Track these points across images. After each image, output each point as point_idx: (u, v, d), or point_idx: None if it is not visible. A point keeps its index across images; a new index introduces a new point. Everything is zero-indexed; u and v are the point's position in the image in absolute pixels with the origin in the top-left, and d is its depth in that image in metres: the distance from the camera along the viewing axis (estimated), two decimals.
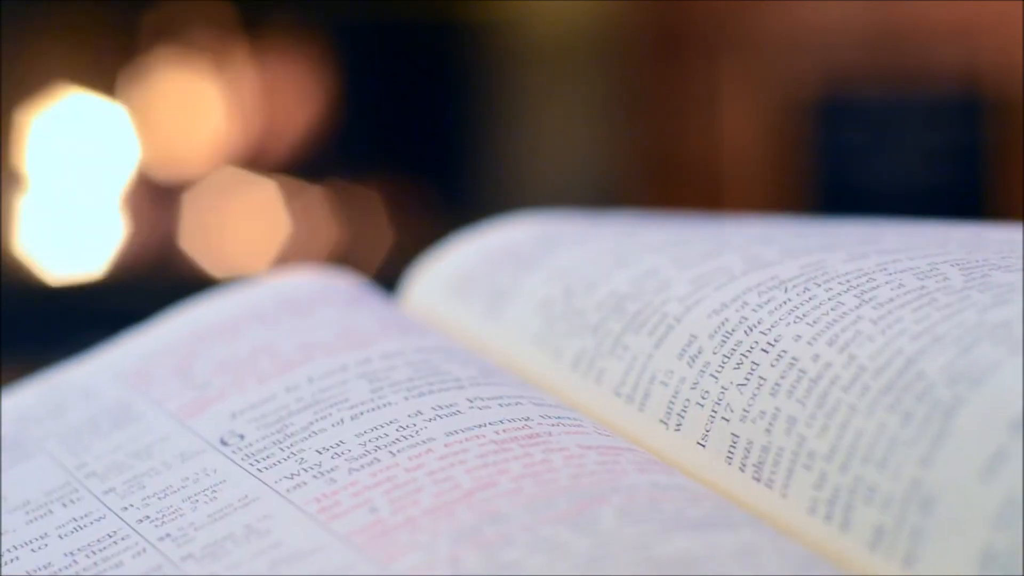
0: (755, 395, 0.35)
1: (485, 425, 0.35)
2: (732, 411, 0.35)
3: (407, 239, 1.72)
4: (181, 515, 0.35)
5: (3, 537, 0.36)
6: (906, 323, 0.34)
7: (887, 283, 0.36)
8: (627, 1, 1.78)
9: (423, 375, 0.38)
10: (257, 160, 1.76)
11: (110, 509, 0.36)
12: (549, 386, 0.40)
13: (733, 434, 0.35)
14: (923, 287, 0.35)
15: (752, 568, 0.30)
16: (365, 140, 1.81)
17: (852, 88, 1.73)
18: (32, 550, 0.35)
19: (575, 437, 0.35)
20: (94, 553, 0.34)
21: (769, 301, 0.37)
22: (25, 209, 1.70)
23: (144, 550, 0.34)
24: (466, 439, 0.35)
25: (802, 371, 0.34)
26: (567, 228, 0.47)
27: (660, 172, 1.82)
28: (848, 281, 0.37)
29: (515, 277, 0.44)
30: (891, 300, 0.35)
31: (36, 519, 0.36)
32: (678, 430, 0.36)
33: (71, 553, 0.35)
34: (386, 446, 0.35)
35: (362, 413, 0.36)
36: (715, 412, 0.35)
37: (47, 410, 0.41)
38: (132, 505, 0.36)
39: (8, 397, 0.42)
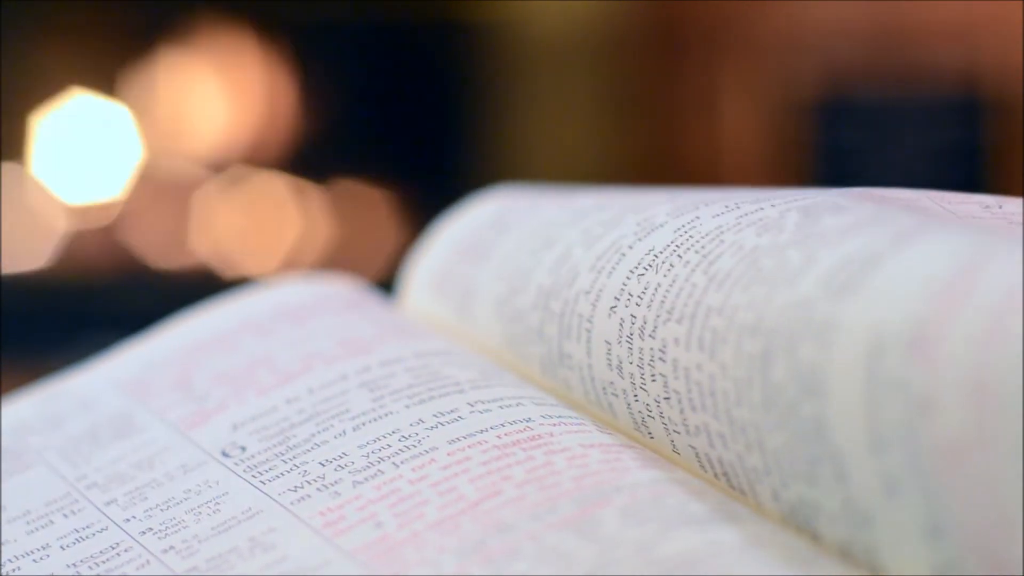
0: (682, 410, 0.33)
1: (487, 430, 0.35)
2: (676, 424, 0.34)
3: (409, 238, 1.72)
4: (184, 527, 0.34)
5: (4, 547, 0.36)
6: (742, 311, 0.31)
7: (731, 246, 0.33)
8: (627, 1, 1.78)
9: (423, 381, 0.38)
10: (260, 160, 1.76)
11: (112, 521, 0.36)
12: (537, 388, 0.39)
13: (690, 446, 0.34)
14: (756, 248, 0.32)
15: (756, 563, 0.30)
16: (367, 140, 1.81)
17: (852, 88, 1.73)
18: (34, 560, 0.35)
19: (577, 436, 0.35)
20: (97, 565, 0.34)
21: (645, 290, 0.34)
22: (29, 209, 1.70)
23: (148, 562, 0.34)
24: (468, 446, 0.34)
25: (698, 383, 0.32)
26: (521, 205, 0.44)
27: (660, 172, 1.82)
28: (702, 248, 0.34)
29: (474, 272, 0.42)
30: (728, 275, 0.32)
31: (37, 529, 0.36)
32: (652, 439, 0.35)
33: (73, 564, 0.35)
34: (389, 457, 0.35)
35: (364, 424, 0.36)
36: (666, 425, 0.34)
37: (45, 421, 0.41)
38: (134, 517, 0.36)
39: (6, 406, 0.42)
